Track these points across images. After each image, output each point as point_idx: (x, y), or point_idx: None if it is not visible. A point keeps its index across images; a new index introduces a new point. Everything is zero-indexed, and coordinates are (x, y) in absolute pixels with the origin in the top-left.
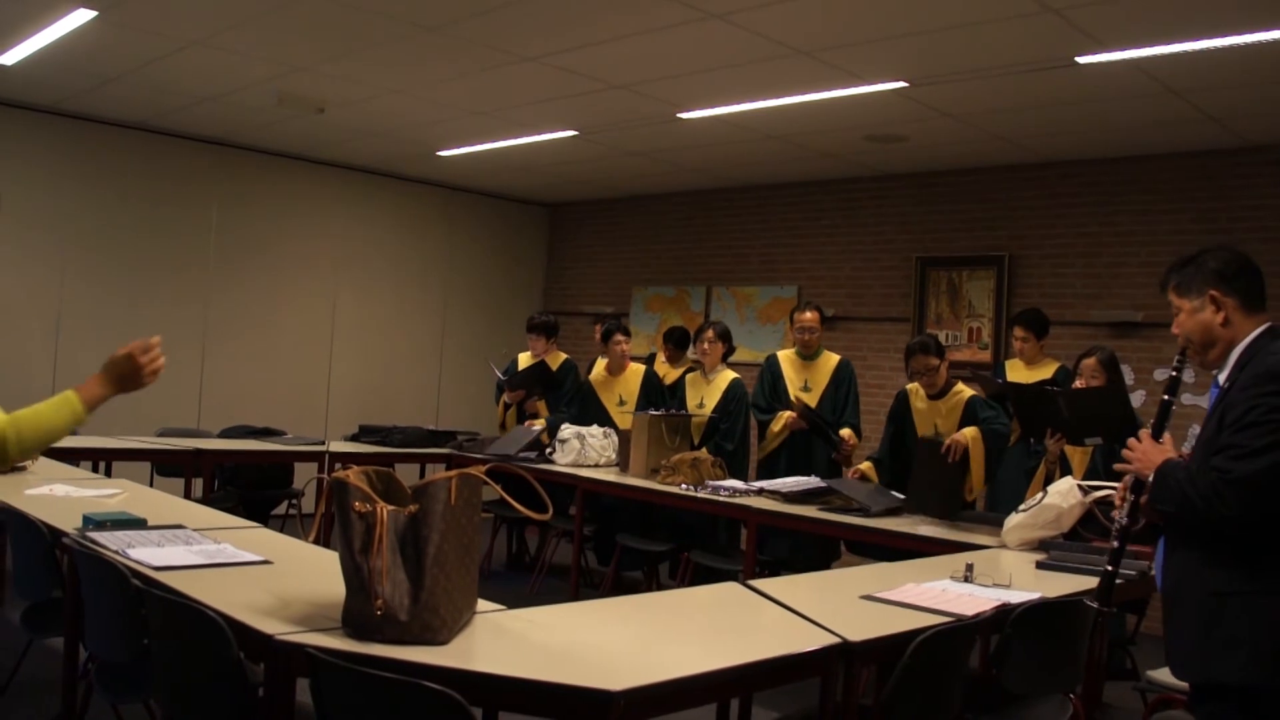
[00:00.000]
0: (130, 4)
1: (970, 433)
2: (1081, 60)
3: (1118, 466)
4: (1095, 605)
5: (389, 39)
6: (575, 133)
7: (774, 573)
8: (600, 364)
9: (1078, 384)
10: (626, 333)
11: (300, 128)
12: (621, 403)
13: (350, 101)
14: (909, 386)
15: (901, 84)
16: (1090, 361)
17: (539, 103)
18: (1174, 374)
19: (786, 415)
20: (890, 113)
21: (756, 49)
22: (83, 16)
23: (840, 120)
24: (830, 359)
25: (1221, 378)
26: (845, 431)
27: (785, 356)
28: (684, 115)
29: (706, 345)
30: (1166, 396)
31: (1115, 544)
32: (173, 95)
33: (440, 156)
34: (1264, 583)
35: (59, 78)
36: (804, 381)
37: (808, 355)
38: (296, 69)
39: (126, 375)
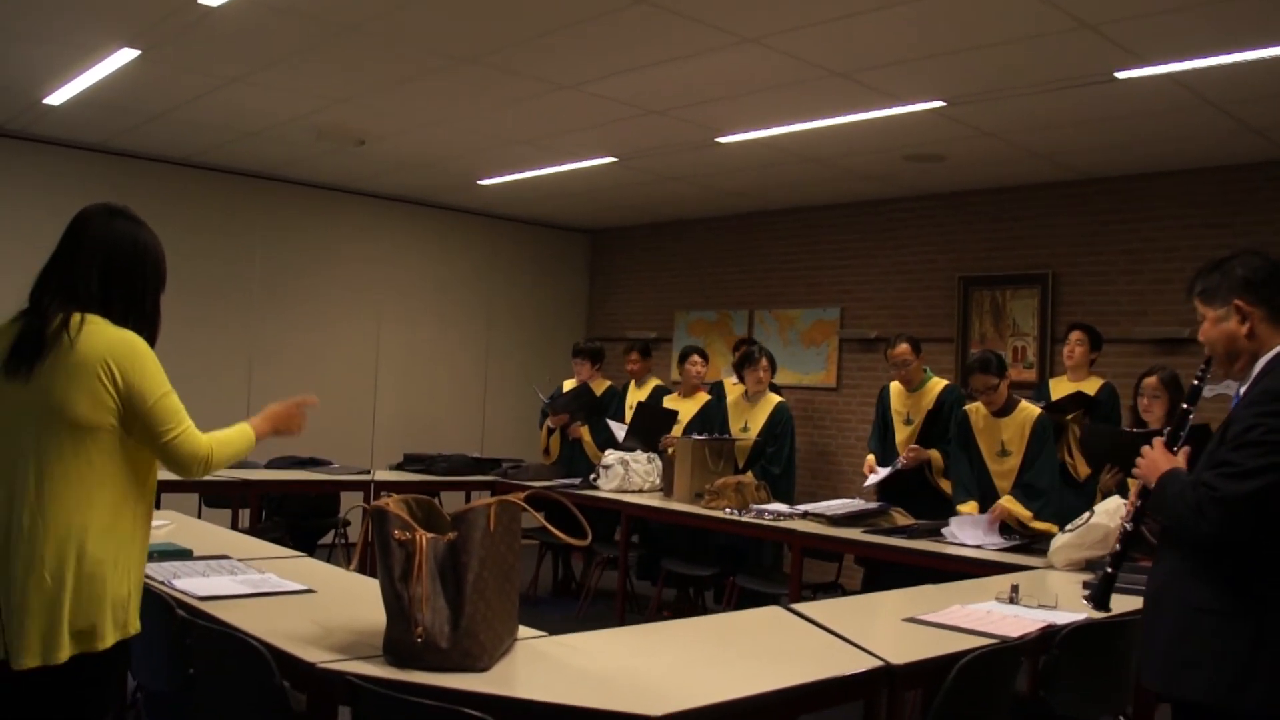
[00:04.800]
0: (171, 43)
1: (1014, 508)
2: (1120, 75)
3: (1135, 472)
4: (1090, 604)
5: (426, 71)
6: (614, 159)
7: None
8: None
9: (1141, 403)
10: (704, 355)
11: (341, 160)
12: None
13: (389, 134)
14: (968, 407)
15: (939, 103)
16: (1151, 381)
17: (577, 130)
18: (1195, 383)
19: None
20: (928, 132)
21: (792, 72)
22: (125, 56)
23: (879, 141)
24: (934, 387)
25: (1243, 389)
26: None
27: (894, 388)
28: (722, 139)
29: (761, 373)
30: (1185, 405)
31: (1117, 547)
32: (214, 131)
33: (480, 185)
34: (1240, 603)
35: (104, 117)
36: (907, 414)
37: (911, 387)
38: (335, 103)
39: (285, 421)
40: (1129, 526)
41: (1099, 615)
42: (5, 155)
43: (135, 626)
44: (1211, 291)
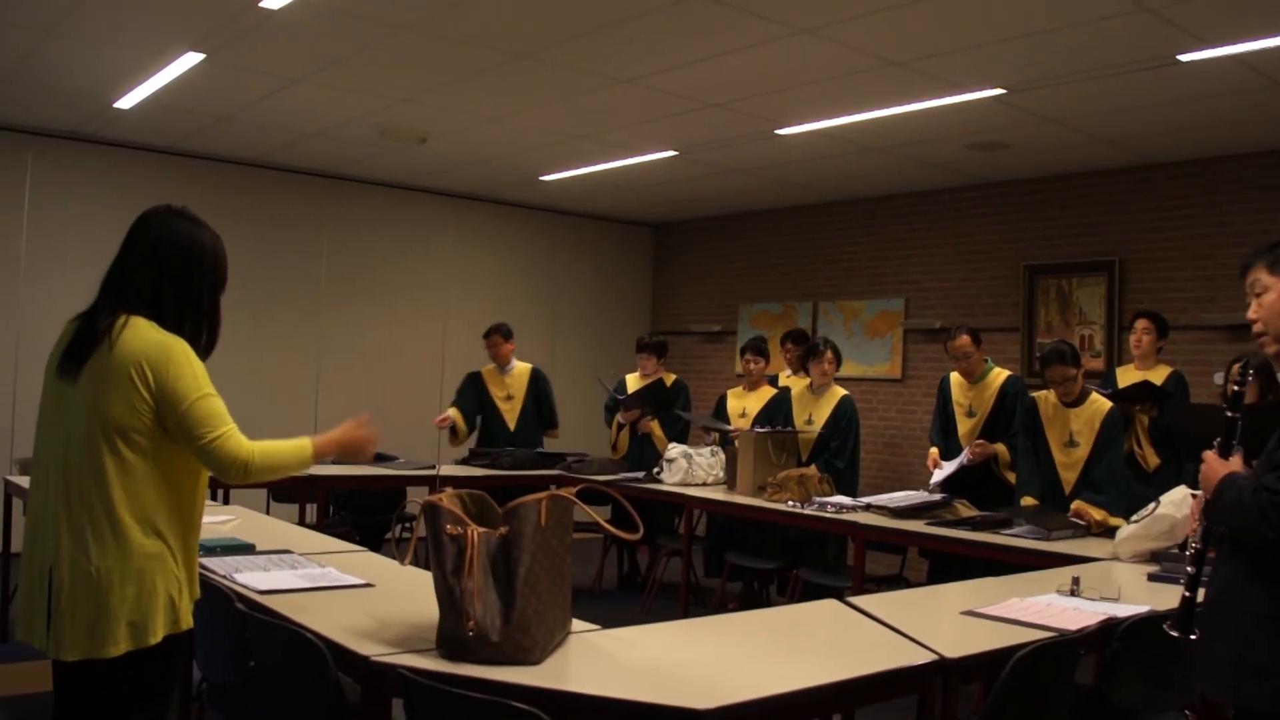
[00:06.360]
0: (235, 46)
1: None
2: (1183, 58)
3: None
4: (1175, 634)
5: (485, 68)
6: (675, 153)
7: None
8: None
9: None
10: (761, 352)
11: (403, 158)
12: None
13: (451, 131)
14: (1036, 395)
15: (999, 91)
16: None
17: (637, 124)
18: (1235, 389)
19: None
20: (990, 120)
21: (849, 62)
22: (192, 59)
23: (939, 130)
24: (996, 379)
25: None
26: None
27: (955, 378)
28: (782, 131)
29: (826, 365)
30: (1230, 414)
31: (1190, 570)
32: (278, 132)
33: (543, 181)
34: None
35: (172, 119)
36: (969, 405)
37: (972, 379)
38: (396, 102)
39: (354, 447)
40: (1197, 545)
41: (1163, 608)
42: (79, 158)
43: (187, 622)
44: (1276, 261)
